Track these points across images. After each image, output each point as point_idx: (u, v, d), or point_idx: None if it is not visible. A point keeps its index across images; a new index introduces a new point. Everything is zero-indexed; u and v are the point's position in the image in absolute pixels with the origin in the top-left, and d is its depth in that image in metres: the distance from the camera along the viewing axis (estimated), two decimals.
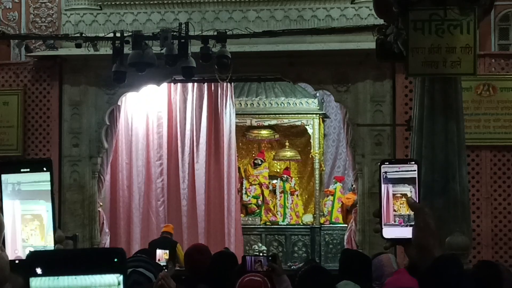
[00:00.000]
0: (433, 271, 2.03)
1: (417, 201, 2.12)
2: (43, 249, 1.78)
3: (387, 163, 2.18)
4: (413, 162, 2.17)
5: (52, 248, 1.81)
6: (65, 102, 13.16)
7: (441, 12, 7.44)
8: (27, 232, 1.82)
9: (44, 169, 1.83)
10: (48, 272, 1.38)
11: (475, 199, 11.90)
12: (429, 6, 7.50)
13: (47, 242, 1.82)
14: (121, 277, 1.38)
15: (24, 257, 1.79)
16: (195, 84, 14.59)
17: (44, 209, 1.82)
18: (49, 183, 1.82)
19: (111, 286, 1.38)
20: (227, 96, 14.88)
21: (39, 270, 1.38)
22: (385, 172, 2.15)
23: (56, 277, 1.37)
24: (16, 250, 1.84)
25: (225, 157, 14.80)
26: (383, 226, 2.15)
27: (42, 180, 1.83)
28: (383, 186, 2.15)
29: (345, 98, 12.68)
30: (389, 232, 2.15)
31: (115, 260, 1.38)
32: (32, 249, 1.80)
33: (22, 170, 1.83)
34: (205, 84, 14.57)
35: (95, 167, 13.14)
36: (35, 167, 1.83)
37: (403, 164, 2.17)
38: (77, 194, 13.06)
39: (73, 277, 1.36)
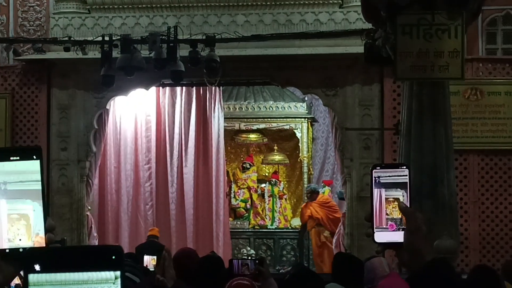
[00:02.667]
0: (424, 275, 2.04)
1: (409, 206, 2.13)
2: (42, 247, 1.78)
3: (379, 167, 2.19)
4: (405, 167, 2.18)
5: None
6: (54, 106, 13.13)
7: (429, 17, 7.48)
8: (14, 232, 1.81)
9: (34, 157, 1.82)
10: (47, 269, 1.39)
11: (463, 202, 11.94)
12: (417, 10, 7.54)
13: (34, 242, 1.82)
14: (118, 273, 1.40)
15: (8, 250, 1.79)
16: (184, 88, 14.58)
17: (31, 208, 1.82)
18: (39, 182, 1.82)
19: (108, 280, 1.40)
20: (215, 100, 14.88)
21: (37, 267, 1.39)
22: (378, 177, 2.16)
23: (54, 274, 1.38)
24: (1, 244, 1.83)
25: (214, 161, 14.79)
26: (375, 231, 2.16)
27: (28, 179, 1.82)
28: (375, 190, 2.16)
29: (334, 102, 12.70)
30: (381, 237, 2.16)
31: (113, 257, 1.40)
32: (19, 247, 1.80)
33: (11, 158, 1.82)
34: (194, 88, 14.57)
35: (83, 171, 13.11)
36: (25, 155, 1.82)
37: (395, 168, 2.18)
38: (65, 198, 13.03)
39: (70, 273, 1.38)
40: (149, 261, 9.90)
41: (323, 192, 15.57)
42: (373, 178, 2.16)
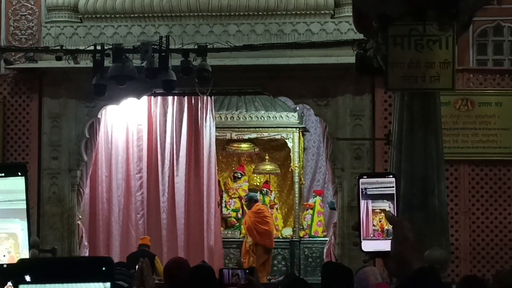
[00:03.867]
0: (411, 284, 2.05)
1: (396, 215, 2.14)
2: (32, 258, 1.79)
3: (366, 176, 2.20)
4: (391, 176, 2.20)
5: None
6: (45, 115, 13.12)
7: (420, 28, 7.52)
8: (2, 251, 1.81)
9: (19, 173, 1.83)
10: (37, 279, 1.40)
11: (453, 213, 11.97)
12: (409, 21, 7.57)
13: (22, 256, 1.82)
14: (108, 285, 1.40)
15: None
16: (175, 97, 14.59)
17: (19, 227, 1.82)
18: (24, 201, 1.82)
19: None
20: (207, 109, 14.89)
21: (28, 278, 1.40)
22: (365, 188, 2.17)
23: (44, 285, 1.39)
24: None
25: (205, 170, 14.79)
26: (362, 240, 2.17)
27: (17, 198, 1.82)
28: (362, 201, 2.17)
29: (325, 112, 12.73)
30: (368, 246, 2.17)
31: (103, 268, 1.41)
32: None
33: None
34: (185, 97, 14.57)
35: (74, 180, 13.10)
36: (10, 172, 1.83)
37: (382, 177, 2.20)
38: (56, 207, 13.01)
39: (61, 284, 1.39)
40: None
41: (314, 202, 15.57)
42: (360, 189, 2.17)
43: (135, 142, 14.77)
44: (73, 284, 1.39)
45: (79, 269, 1.40)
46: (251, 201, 14.79)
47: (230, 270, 4.82)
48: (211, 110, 14.92)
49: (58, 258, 1.35)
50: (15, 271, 1.43)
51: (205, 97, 14.22)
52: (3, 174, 1.82)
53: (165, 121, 14.87)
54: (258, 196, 15.25)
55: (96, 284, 1.40)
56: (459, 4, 7.45)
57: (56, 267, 1.41)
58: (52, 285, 1.39)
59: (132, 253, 12.22)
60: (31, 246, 1.82)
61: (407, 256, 2.08)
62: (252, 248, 14.59)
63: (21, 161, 12.97)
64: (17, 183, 1.83)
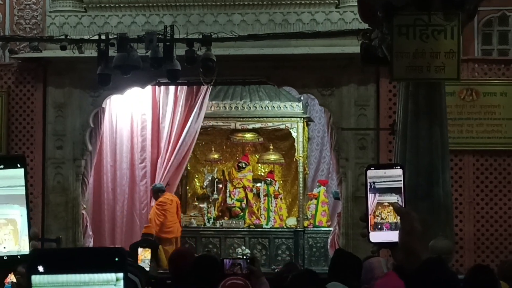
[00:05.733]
0: (420, 274, 2.05)
1: (403, 206, 2.14)
2: (46, 248, 1.79)
3: (373, 168, 2.20)
4: (399, 167, 2.19)
5: (27, 252, 1.81)
6: (49, 104, 13.13)
7: (426, 18, 7.49)
8: (1, 237, 1.81)
9: (18, 165, 1.83)
10: (50, 270, 1.40)
11: (458, 203, 11.97)
12: (414, 11, 7.56)
13: (21, 246, 1.82)
14: (121, 275, 1.41)
15: None
16: (179, 87, 14.55)
17: (18, 213, 1.82)
18: (24, 187, 1.82)
19: (109, 282, 1.41)
20: (200, 99, 14.76)
21: (41, 268, 1.41)
22: (373, 182, 2.17)
23: (57, 275, 1.40)
24: None
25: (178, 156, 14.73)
26: (370, 231, 2.17)
27: (16, 184, 1.82)
28: (370, 195, 2.17)
29: (329, 102, 12.72)
30: (376, 237, 2.17)
31: (116, 259, 1.41)
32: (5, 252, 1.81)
33: None
34: (184, 87, 14.46)
35: (79, 170, 13.12)
36: (9, 163, 1.83)
37: (389, 169, 2.19)
38: (60, 196, 13.03)
39: (74, 274, 1.39)
40: (142, 252, 9.93)
41: (319, 192, 15.56)
42: (368, 183, 2.17)
43: (139, 131, 14.78)
44: (86, 275, 1.40)
45: (92, 259, 1.41)
46: (156, 192, 14.34)
47: (231, 260, 4.84)
48: (202, 99, 14.79)
49: (71, 249, 1.36)
50: (28, 261, 1.43)
51: (202, 87, 14.17)
52: (2, 166, 1.82)
53: (167, 110, 14.83)
54: (163, 186, 14.80)
55: (108, 275, 1.41)
56: None
57: (69, 257, 1.42)
58: (65, 275, 1.40)
59: (135, 243, 12.23)
60: (30, 238, 1.82)
61: (415, 246, 2.08)
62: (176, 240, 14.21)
63: (25, 150, 13.00)
64: (17, 172, 1.83)
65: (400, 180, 2.17)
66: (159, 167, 14.75)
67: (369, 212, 2.17)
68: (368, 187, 2.17)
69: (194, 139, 14.91)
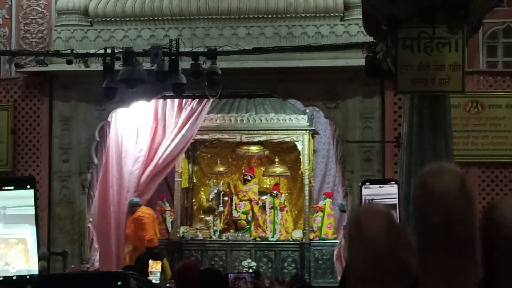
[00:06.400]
0: None
1: (399, 222, 2.15)
2: (51, 274, 1.81)
3: (368, 183, 2.22)
4: (394, 182, 2.21)
5: (36, 271, 1.83)
6: (55, 118, 13.17)
7: (430, 30, 7.51)
8: (11, 257, 1.82)
9: (28, 186, 1.84)
10: None
11: None
12: (418, 24, 7.57)
13: (31, 266, 1.83)
14: None
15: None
16: (176, 100, 14.53)
17: (29, 233, 1.83)
18: (33, 207, 1.84)
19: None
20: (200, 112, 14.76)
21: None
22: (370, 200, 2.18)
23: None
24: None
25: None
26: None
27: (27, 204, 1.84)
28: None
29: (335, 114, 12.73)
30: None
31: (119, 283, 1.43)
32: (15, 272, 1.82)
33: (5, 188, 1.84)
34: (183, 100, 14.46)
35: (85, 183, 13.15)
36: (19, 185, 1.85)
37: (384, 184, 2.21)
38: (66, 209, 13.06)
39: None
40: (153, 265, 9.94)
41: (324, 204, 15.56)
42: (364, 199, 2.19)
43: (143, 144, 14.79)
44: None
45: (95, 284, 1.42)
46: (133, 207, 14.41)
47: (235, 274, 4.84)
48: (199, 114, 14.78)
49: (75, 274, 1.36)
50: (33, 285, 1.45)
51: (204, 100, 14.20)
52: (12, 187, 1.84)
53: (167, 124, 14.84)
54: (140, 201, 14.72)
55: None
56: (468, 6, 7.44)
57: (73, 282, 1.43)
58: None
59: (140, 255, 12.23)
60: (39, 259, 1.84)
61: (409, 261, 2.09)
62: (130, 253, 14.19)
63: (31, 164, 13.03)
64: (27, 194, 1.85)
65: (395, 198, 2.19)
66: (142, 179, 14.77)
67: None
68: (365, 201, 2.19)
69: (180, 152, 14.88)
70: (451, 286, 0.49)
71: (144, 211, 14.33)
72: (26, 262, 1.83)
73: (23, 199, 1.85)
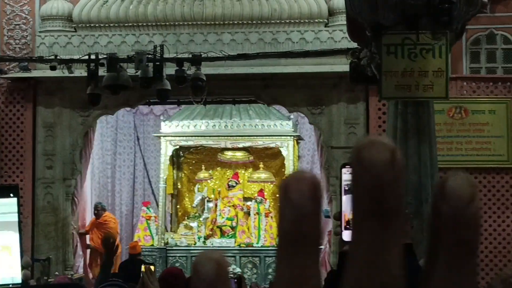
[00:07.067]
0: None
1: None
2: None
3: (348, 166, 2.22)
4: None
5: (19, 281, 1.82)
6: (39, 124, 13.12)
7: (414, 37, 7.54)
8: None
9: (11, 195, 1.83)
10: None
11: None
12: (402, 30, 7.60)
13: (14, 274, 1.82)
14: None
15: None
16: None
17: (14, 239, 1.82)
18: (17, 214, 1.83)
19: None
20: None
21: None
22: (348, 184, 2.19)
23: None
24: None
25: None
26: (343, 229, 2.19)
27: (10, 211, 1.83)
28: (344, 197, 2.20)
29: (319, 120, 12.76)
30: (349, 235, 2.19)
31: None
32: None
33: None
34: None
35: (69, 189, 13.10)
36: (2, 193, 1.83)
37: None
38: (50, 216, 13.00)
39: None
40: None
41: None
42: (344, 183, 2.20)
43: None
44: None
45: None
46: (102, 210, 14.39)
47: None
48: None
49: (35, 286, 1.34)
50: None
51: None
52: None
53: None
54: (105, 205, 14.75)
55: None
56: (451, 12, 7.47)
57: None
58: None
59: (123, 262, 12.16)
60: (22, 267, 1.83)
61: None
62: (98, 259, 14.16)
63: (15, 170, 12.97)
64: (10, 202, 1.84)
65: None
66: None
67: (343, 211, 2.19)
68: (344, 188, 2.20)
69: None
70: (374, 251, 0.53)
71: (110, 216, 14.38)
72: (9, 272, 1.82)
73: (5, 206, 1.84)
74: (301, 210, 0.53)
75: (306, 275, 0.55)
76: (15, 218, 1.84)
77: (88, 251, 14.18)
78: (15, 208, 1.84)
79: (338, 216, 2.21)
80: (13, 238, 1.83)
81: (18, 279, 1.81)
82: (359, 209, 0.54)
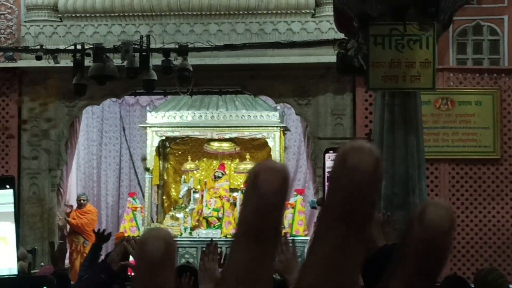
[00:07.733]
0: (375, 260, 2.06)
1: None
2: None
3: (332, 151, 2.21)
4: None
5: (15, 273, 1.80)
6: (24, 114, 13.05)
7: (401, 28, 7.54)
8: None
9: (7, 186, 1.82)
10: None
11: None
12: (389, 21, 7.59)
13: (10, 266, 1.81)
14: None
15: None
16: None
17: (10, 230, 1.81)
18: (13, 205, 1.82)
19: None
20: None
21: None
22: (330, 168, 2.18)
23: None
24: None
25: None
26: None
27: (6, 202, 1.81)
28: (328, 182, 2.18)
29: (306, 111, 12.75)
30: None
31: (44, 287, 1.41)
32: None
33: None
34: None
35: (54, 180, 13.05)
36: None
37: None
38: (36, 207, 12.95)
39: None
40: None
41: (295, 201, 15.59)
42: (326, 168, 2.19)
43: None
44: None
45: None
46: (85, 200, 14.38)
47: None
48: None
49: (6, 279, 1.33)
50: None
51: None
52: None
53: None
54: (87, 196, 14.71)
55: None
56: (439, 3, 7.47)
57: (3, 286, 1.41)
58: None
59: (110, 252, 12.11)
60: (19, 258, 1.81)
61: (372, 233, 2.10)
62: (80, 247, 14.16)
63: (0, 160, 12.91)
64: (6, 193, 1.82)
65: None
66: None
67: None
68: (327, 175, 2.19)
69: None
70: (336, 254, 0.53)
71: (92, 207, 14.38)
72: (5, 263, 1.80)
73: (2, 197, 1.82)
74: (268, 202, 0.53)
75: (261, 266, 0.55)
76: (11, 209, 1.82)
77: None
78: (11, 199, 1.83)
79: (321, 202, 2.20)
80: (9, 228, 1.82)
81: (14, 270, 1.80)
82: (331, 209, 0.53)
